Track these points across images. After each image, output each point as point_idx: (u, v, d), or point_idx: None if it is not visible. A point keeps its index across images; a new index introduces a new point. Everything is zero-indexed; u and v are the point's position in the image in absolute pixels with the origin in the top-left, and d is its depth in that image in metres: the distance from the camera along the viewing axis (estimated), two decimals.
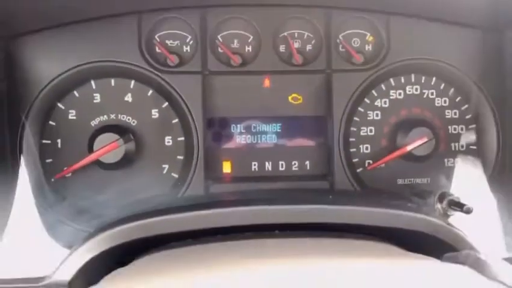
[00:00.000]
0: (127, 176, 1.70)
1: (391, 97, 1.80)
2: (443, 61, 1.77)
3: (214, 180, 1.73)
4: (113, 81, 1.71)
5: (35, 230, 1.52)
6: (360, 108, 1.78)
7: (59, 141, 1.69)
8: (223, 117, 1.77)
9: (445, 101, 1.81)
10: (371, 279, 0.85)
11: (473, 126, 1.81)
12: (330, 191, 1.73)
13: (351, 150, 1.78)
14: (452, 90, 1.81)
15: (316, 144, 1.79)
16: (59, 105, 1.69)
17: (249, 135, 1.78)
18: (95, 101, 1.70)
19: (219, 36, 1.76)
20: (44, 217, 1.55)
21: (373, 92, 1.79)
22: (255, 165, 1.77)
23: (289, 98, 1.77)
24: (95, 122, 1.70)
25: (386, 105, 1.79)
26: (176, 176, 1.73)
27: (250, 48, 1.76)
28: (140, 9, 1.70)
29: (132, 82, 1.72)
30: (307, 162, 1.79)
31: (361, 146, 1.79)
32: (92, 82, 1.70)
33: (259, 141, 1.78)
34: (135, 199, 1.60)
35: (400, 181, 1.79)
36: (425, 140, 1.69)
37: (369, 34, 1.79)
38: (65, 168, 1.66)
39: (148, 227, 1.09)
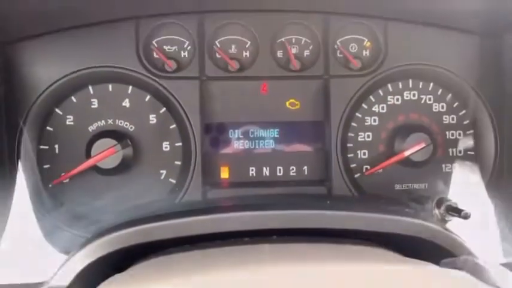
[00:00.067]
0: (125, 181, 1.69)
1: (389, 102, 1.80)
2: (441, 66, 1.77)
3: (212, 185, 1.72)
4: (110, 87, 1.71)
5: (33, 236, 1.51)
6: (357, 114, 1.78)
7: (56, 146, 1.68)
8: (221, 123, 1.77)
9: (442, 107, 1.81)
10: (368, 284, 0.85)
11: (471, 131, 1.81)
12: (328, 197, 1.73)
13: (349, 155, 1.78)
14: (450, 95, 1.81)
15: (314, 150, 1.79)
16: (57, 110, 1.69)
17: (246, 141, 1.77)
18: (92, 107, 1.70)
19: (216, 42, 1.75)
20: (42, 223, 1.55)
21: (371, 97, 1.79)
22: (252, 170, 1.77)
23: (287, 103, 1.77)
24: (92, 128, 1.69)
25: (384, 111, 1.79)
26: (174, 181, 1.72)
27: (247, 54, 1.76)
28: (138, 15, 1.70)
29: (130, 87, 1.72)
30: (305, 168, 1.79)
31: (358, 152, 1.79)
32: (90, 87, 1.70)
33: (256, 147, 1.78)
34: (132, 205, 1.59)
35: (397, 186, 1.79)
36: (423, 145, 1.69)
37: (366, 40, 1.79)
38: (63, 174, 1.66)
39: (146, 232, 1.09)
